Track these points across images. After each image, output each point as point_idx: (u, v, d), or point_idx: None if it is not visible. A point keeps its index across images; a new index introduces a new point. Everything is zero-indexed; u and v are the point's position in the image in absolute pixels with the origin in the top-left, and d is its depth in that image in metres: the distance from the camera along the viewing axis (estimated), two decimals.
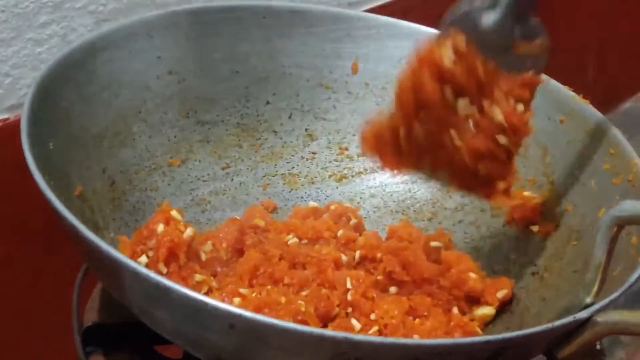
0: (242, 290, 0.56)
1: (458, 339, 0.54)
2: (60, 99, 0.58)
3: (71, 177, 0.57)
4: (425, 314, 0.59)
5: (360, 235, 0.66)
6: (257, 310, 0.53)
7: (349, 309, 0.58)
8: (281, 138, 0.72)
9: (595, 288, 0.52)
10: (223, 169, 0.70)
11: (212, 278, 0.59)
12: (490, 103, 0.54)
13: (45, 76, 0.57)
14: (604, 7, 1.31)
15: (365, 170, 0.73)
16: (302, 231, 0.64)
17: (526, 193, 0.66)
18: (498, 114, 0.54)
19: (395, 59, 0.72)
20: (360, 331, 0.57)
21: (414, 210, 0.72)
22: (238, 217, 0.67)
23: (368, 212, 0.72)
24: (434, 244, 0.65)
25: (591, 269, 0.52)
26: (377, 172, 0.73)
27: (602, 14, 1.32)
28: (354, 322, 0.57)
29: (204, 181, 0.68)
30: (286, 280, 0.58)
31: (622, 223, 0.50)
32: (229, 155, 0.71)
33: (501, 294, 0.61)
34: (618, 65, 1.46)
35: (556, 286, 0.60)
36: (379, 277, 0.61)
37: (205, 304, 0.44)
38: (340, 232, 0.65)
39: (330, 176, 0.73)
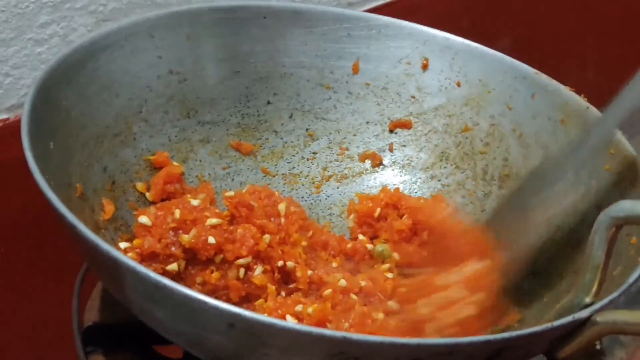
0: None
1: (458, 338, 0.54)
2: (61, 99, 0.58)
3: (71, 177, 0.57)
4: None
5: None
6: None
7: None
8: (282, 138, 0.72)
9: (595, 288, 0.52)
10: (224, 168, 0.70)
11: None
12: None
13: (45, 76, 0.57)
14: (605, 8, 1.31)
15: (366, 170, 0.73)
16: None
17: None
18: None
19: (396, 59, 0.72)
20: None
21: None
22: None
23: None
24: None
25: (590, 269, 0.52)
26: (377, 172, 0.73)
27: (604, 13, 1.32)
28: None
29: (204, 181, 0.68)
30: None
31: (619, 223, 0.50)
32: (230, 155, 0.71)
33: None
34: (618, 65, 1.46)
35: (556, 286, 0.60)
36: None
37: (205, 304, 0.44)
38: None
39: (330, 176, 0.73)
